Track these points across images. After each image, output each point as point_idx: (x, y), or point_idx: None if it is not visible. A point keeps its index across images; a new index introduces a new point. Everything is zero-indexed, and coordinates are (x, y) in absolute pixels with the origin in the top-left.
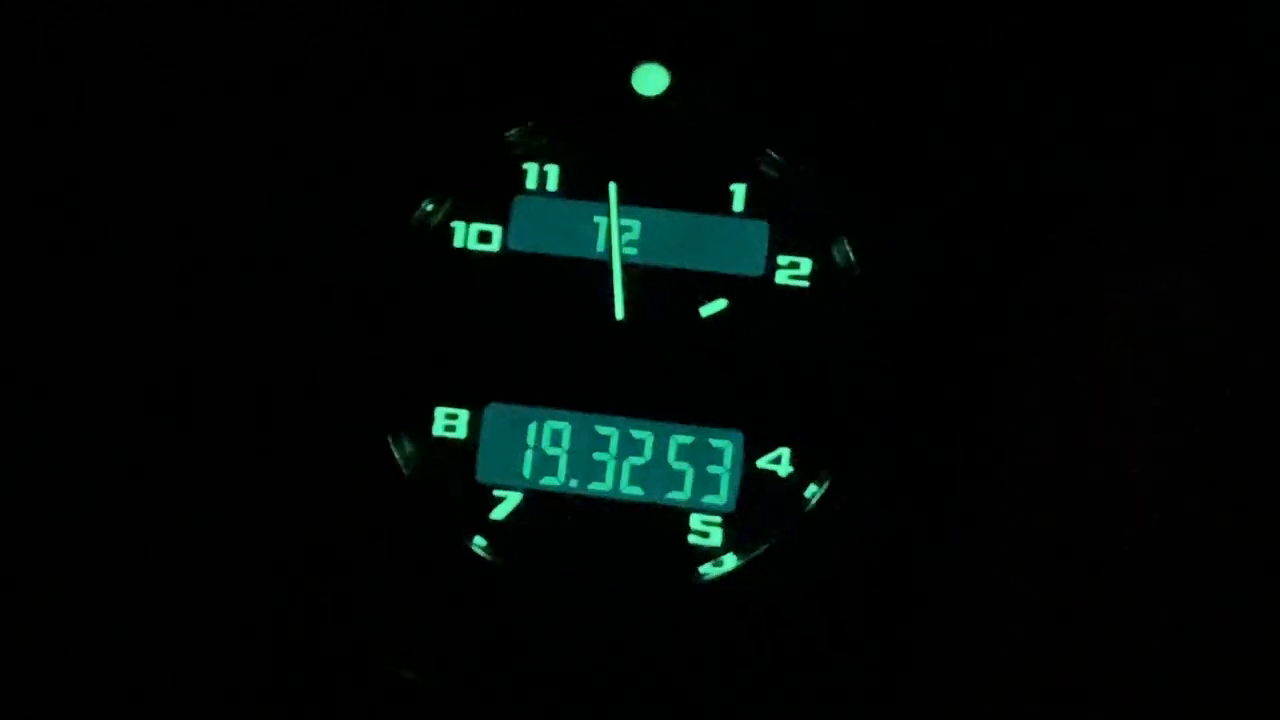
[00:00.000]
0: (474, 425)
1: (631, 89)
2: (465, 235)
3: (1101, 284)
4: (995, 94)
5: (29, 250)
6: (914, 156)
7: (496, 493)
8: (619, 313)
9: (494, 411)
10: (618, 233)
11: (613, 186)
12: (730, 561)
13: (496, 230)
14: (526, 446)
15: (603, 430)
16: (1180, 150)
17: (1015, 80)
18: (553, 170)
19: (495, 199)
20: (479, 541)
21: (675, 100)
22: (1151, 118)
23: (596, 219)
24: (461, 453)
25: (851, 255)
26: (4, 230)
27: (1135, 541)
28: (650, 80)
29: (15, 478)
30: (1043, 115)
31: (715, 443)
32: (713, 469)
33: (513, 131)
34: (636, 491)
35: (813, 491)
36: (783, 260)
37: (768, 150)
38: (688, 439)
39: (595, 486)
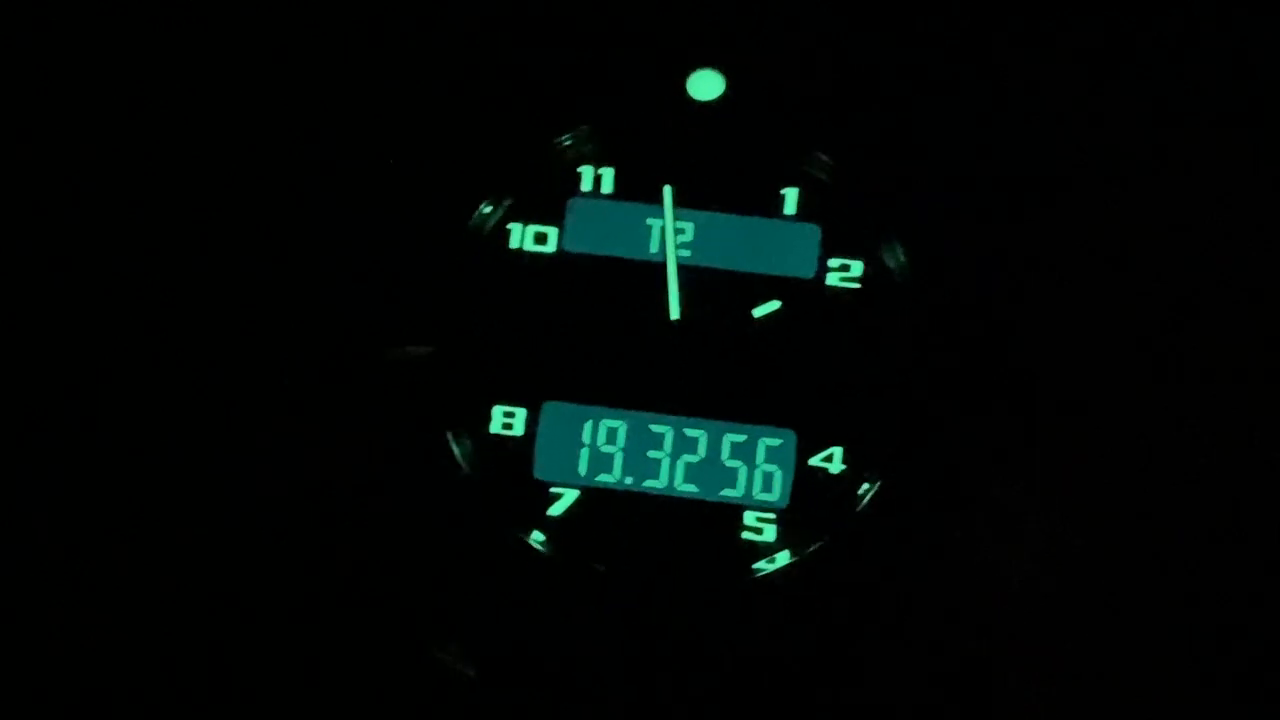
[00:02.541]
0: (531, 423)
1: (686, 94)
2: (522, 236)
3: (1153, 284)
4: (1048, 99)
5: (98, 247)
6: (965, 160)
7: (553, 489)
8: (674, 313)
9: (550, 410)
10: (672, 235)
11: (667, 190)
12: (784, 558)
13: (552, 232)
14: (582, 444)
15: (657, 428)
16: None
17: (1070, 85)
18: (608, 173)
19: (551, 201)
20: (537, 537)
21: (729, 105)
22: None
23: (650, 221)
24: (519, 450)
25: (902, 258)
26: (87, 228)
27: (1190, 545)
28: (705, 85)
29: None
30: (1099, 120)
31: (768, 441)
32: (766, 466)
33: (568, 135)
34: (691, 489)
35: (865, 489)
36: (834, 263)
37: (820, 154)
38: (741, 437)
39: (650, 484)
